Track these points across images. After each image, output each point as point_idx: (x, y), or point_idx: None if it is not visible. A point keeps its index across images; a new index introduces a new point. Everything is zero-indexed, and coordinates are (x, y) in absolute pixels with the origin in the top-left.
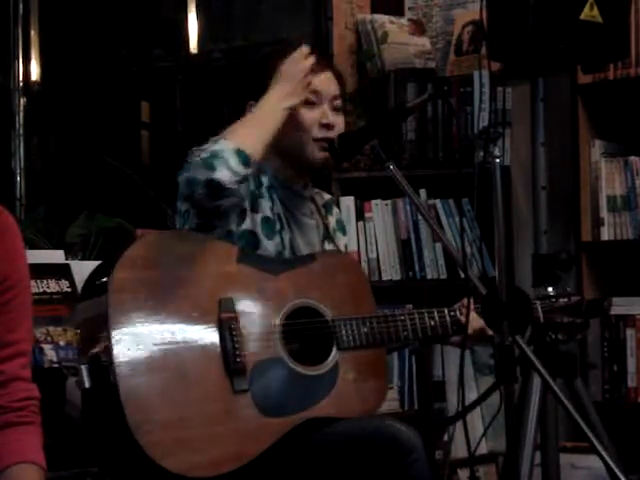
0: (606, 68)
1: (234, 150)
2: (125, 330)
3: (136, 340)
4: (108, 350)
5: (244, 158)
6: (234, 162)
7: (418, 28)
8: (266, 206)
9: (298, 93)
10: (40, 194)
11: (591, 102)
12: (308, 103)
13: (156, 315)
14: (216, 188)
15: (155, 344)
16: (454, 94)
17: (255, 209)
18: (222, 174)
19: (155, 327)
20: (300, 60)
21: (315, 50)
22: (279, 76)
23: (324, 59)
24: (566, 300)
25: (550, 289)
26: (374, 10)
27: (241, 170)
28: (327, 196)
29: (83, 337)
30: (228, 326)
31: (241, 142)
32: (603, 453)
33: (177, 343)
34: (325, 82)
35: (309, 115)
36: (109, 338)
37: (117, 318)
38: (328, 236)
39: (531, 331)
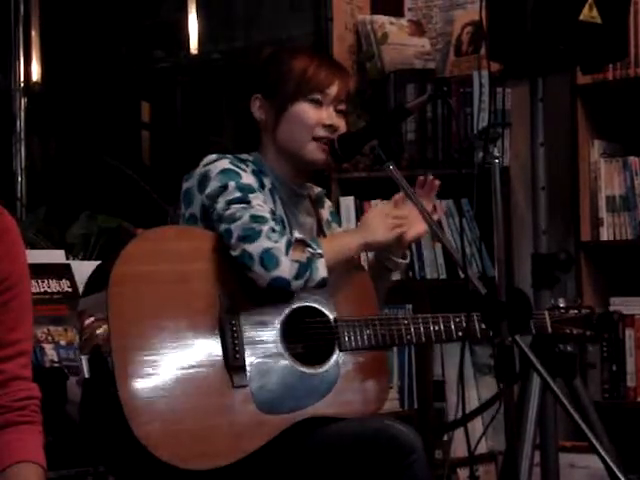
0: (605, 69)
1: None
2: (124, 322)
3: (134, 332)
4: (107, 341)
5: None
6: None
7: (418, 29)
8: None
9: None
10: (41, 194)
11: (590, 102)
12: (315, 102)
13: (156, 308)
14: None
15: (154, 336)
16: (454, 95)
17: None
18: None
19: (154, 320)
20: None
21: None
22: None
23: (336, 62)
24: (576, 312)
25: (561, 300)
26: (374, 11)
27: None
28: (318, 189)
29: (83, 329)
30: (229, 322)
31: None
32: (602, 453)
33: (176, 336)
34: (334, 85)
35: (314, 114)
36: (108, 329)
37: (116, 310)
38: (321, 232)
39: (532, 340)
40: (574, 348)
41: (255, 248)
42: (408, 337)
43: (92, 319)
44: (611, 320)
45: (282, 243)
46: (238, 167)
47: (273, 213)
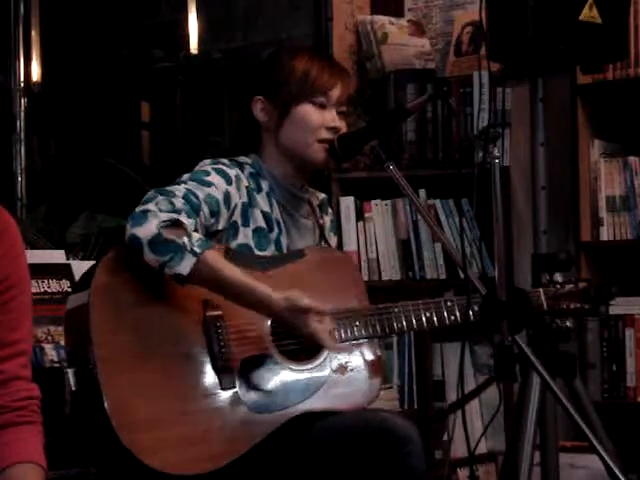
0: (605, 69)
1: (193, 262)
2: (107, 331)
3: (118, 339)
4: (91, 352)
5: (182, 279)
6: (180, 264)
7: (418, 29)
8: (258, 216)
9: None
10: (41, 194)
11: (590, 102)
12: (318, 104)
13: (139, 315)
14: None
15: (138, 343)
16: (454, 95)
17: (246, 222)
18: (153, 257)
19: (138, 327)
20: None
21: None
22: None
23: (337, 64)
24: (572, 286)
25: (558, 275)
26: (374, 11)
27: (170, 270)
28: (322, 195)
29: (69, 338)
30: (214, 324)
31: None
32: (602, 453)
33: (162, 342)
34: (337, 87)
35: (318, 117)
36: (91, 340)
37: (99, 319)
38: (324, 237)
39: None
40: (573, 324)
41: (138, 209)
42: (399, 325)
43: (76, 327)
44: (609, 292)
45: (165, 214)
46: (216, 170)
47: (242, 208)
